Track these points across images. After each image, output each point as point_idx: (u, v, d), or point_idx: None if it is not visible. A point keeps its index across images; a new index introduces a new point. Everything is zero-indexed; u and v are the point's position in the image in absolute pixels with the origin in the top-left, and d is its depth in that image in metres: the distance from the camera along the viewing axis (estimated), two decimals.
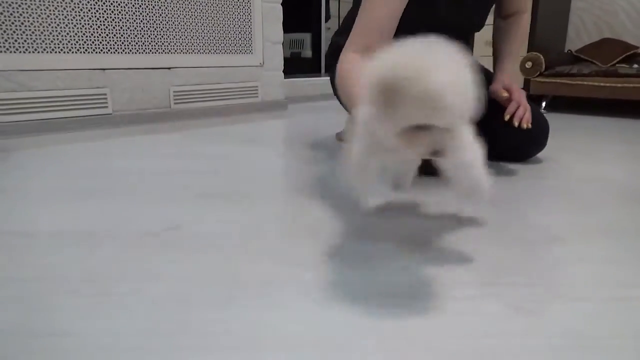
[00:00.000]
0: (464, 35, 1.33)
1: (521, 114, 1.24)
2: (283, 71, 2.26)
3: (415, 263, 0.70)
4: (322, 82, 2.83)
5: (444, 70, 0.49)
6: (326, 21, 3.72)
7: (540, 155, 1.41)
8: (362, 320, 0.55)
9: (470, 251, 0.75)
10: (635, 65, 2.28)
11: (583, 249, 0.77)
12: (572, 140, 1.77)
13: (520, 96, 1.27)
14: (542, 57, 2.41)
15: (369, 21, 0.99)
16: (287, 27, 2.26)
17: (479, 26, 1.30)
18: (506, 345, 0.51)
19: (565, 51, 2.83)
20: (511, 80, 1.30)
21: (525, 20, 1.30)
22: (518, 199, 1.04)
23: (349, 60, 0.96)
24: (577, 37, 2.87)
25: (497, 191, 1.06)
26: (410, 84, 0.49)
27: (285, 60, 2.30)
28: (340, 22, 2.51)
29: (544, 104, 2.47)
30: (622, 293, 0.63)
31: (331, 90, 1.41)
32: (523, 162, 1.38)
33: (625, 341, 0.52)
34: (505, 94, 1.25)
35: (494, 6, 1.33)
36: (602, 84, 2.23)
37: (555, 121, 2.17)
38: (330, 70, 1.41)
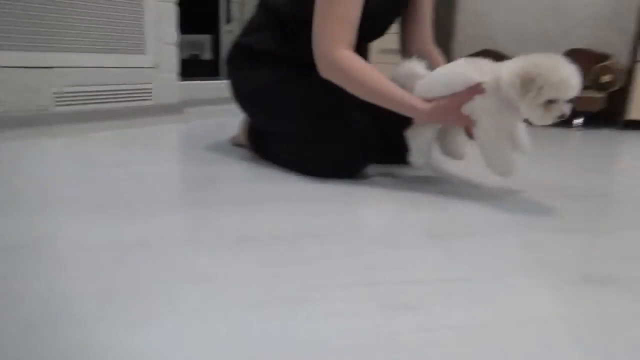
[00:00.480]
0: (369, 41, 1.37)
1: None
2: (181, 73, 2.18)
3: (295, 266, 0.71)
4: (220, 85, 2.78)
5: (568, 66, 0.91)
6: (227, 23, 3.66)
7: None
8: (232, 331, 0.54)
9: (346, 249, 0.77)
10: None
11: (454, 244, 0.83)
12: None
13: None
14: None
15: (349, 20, 1.10)
16: (187, 28, 2.19)
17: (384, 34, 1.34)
18: (385, 340, 0.53)
19: None
20: None
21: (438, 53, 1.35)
22: (391, 197, 1.09)
23: (353, 57, 1.10)
24: (459, 48, 3.11)
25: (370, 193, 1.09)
26: (556, 74, 0.89)
27: (184, 62, 2.23)
28: (245, 24, 2.46)
29: None
30: (500, 283, 0.68)
31: (229, 94, 1.38)
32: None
33: (503, 329, 0.57)
34: None
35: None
36: None
37: None
38: (235, 73, 1.36)
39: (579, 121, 2.29)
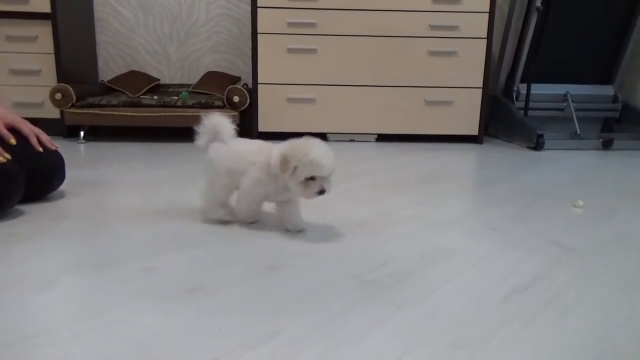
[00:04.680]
0: None
1: (44, 139, 1.36)
2: None
3: None
4: None
5: (320, 147, 1.07)
6: None
7: (63, 189, 1.43)
8: None
9: None
10: (156, 97, 2.62)
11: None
12: (105, 170, 1.87)
13: (26, 124, 1.36)
14: (71, 88, 2.42)
15: None
16: None
17: None
18: None
19: (99, 81, 2.95)
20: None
21: None
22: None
23: None
24: (108, 68, 3.04)
25: None
26: (307, 155, 1.04)
27: None
28: None
29: (82, 134, 2.50)
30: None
31: None
32: (43, 199, 1.36)
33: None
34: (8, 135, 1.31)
35: None
36: (130, 114, 2.45)
37: (94, 151, 2.24)
38: None
39: None
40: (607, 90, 2.99)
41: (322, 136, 2.75)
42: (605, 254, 1.08)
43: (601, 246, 1.13)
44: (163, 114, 2.47)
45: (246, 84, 2.85)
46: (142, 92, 2.73)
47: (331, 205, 1.42)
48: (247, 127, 2.73)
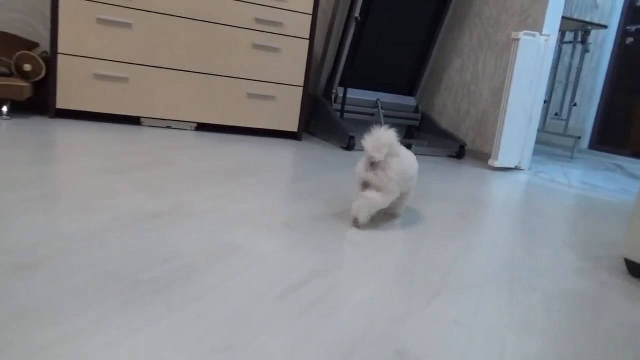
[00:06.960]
0: None
1: None
2: None
3: None
4: None
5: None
6: None
7: None
8: None
9: None
10: None
11: None
12: None
13: None
14: None
15: None
16: None
17: None
18: None
19: None
20: None
21: None
22: None
23: None
24: None
25: None
26: None
27: None
28: None
29: None
30: None
31: None
32: None
33: None
34: None
35: None
36: None
37: None
38: None
39: (4, 110, 2.18)
40: (411, 101, 3.35)
41: (136, 120, 2.55)
42: (382, 252, 1.17)
43: (382, 243, 1.23)
44: None
45: (46, 53, 2.48)
46: None
47: (123, 195, 1.29)
48: (43, 102, 2.38)
